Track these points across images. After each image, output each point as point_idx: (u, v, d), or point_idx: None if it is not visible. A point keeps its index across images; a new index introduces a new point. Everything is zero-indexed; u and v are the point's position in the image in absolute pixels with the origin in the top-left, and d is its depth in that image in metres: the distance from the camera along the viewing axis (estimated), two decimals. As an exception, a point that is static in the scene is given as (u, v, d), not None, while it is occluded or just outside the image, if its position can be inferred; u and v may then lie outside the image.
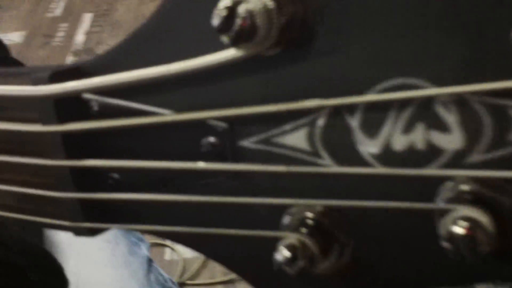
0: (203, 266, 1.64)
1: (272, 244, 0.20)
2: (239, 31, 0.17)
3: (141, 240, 0.80)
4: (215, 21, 0.17)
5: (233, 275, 1.61)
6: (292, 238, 0.19)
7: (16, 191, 0.24)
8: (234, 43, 0.17)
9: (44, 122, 0.21)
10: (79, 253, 0.68)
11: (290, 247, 0.19)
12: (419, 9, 0.17)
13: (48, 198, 0.23)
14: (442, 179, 0.18)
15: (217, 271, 1.65)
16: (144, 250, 0.78)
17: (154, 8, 0.21)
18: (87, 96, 0.21)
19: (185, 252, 1.68)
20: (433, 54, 0.17)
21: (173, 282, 0.78)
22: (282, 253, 0.19)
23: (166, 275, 0.79)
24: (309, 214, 0.20)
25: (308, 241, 0.19)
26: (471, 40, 0.16)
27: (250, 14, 0.17)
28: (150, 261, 0.78)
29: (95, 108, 0.21)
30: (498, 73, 0.16)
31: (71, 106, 0.21)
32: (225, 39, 0.18)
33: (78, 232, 0.22)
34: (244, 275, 0.22)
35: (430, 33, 0.17)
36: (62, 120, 0.21)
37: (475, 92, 0.16)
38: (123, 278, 0.69)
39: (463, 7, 0.16)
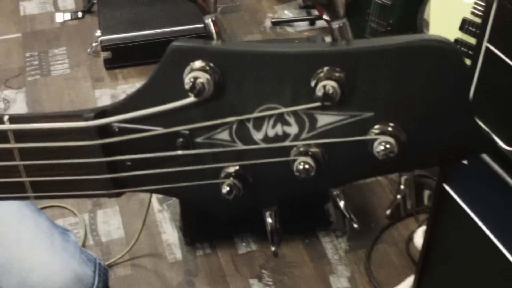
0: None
1: (216, 189, 0.42)
2: (198, 90, 0.39)
3: (67, 230, 0.99)
4: (187, 86, 0.39)
5: (110, 261, 1.80)
6: (228, 181, 0.41)
7: (67, 179, 0.43)
8: (196, 96, 0.39)
9: (92, 139, 0.41)
10: (28, 248, 0.85)
11: (229, 185, 0.41)
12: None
13: (91, 180, 0.43)
14: (291, 147, 0.41)
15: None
16: (72, 237, 0.97)
17: None
18: (112, 124, 0.42)
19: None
20: (279, 91, 0.39)
21: (99, 259, 0.97)
22: (226, 188, 0.41)
23: (94, 254, 0.98)
24: (231, 169, 0.42)
25: (236, 182, 0.41)
26: (294, 83, 0.39)
27: (201, 83, 0.39)
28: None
29: (116, 130, 0.42)
30: (308, 101, 0.39)
31: (105, 130, 0.41)
32: (190, 94, 0.39)
33: (110, 196, 0.42)
34: (199, 208, 0.44)
35: (276, 83, 0.39)
36: (101, 137, 0.41)
37: (301, 108, 0.39)
38: (65, 259, 0.87)
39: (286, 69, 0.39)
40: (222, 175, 0.42)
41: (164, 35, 2.58)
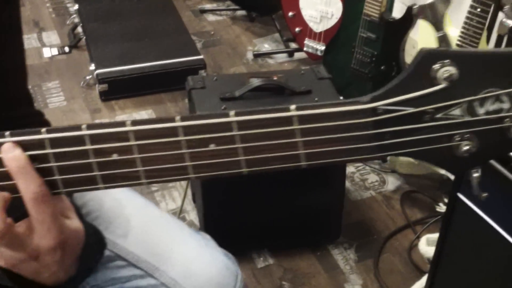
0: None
1: (448, 151, 0.59)
2: (451, 79, 0.56)
3: (199, 231, 1.13)
4: (444, 76, 0.56)
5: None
6: (465, 142, 0.59)
7: (340, 148, 0.60)
8: (449, 83, 0.57)
9: (367, 118, 0.58)
10: (182, 244, 1.00)
11: (466, 145, 0.58)
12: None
13: (362, 148, 0.59)
14: (505, 117, 0.59)
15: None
16: (207, 236, 1.12)
17: None
18: (378, 107, 0.59)
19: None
20: (498, 79, 0.58)
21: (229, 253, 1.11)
22: (465, 147, 0.58)
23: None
24: (464, 135, 0.60)
25: (470, 143, 0.59)
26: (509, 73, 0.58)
27: (452, 74, 0.57)
28: None
29: (381, 110, 0.59)
30: (522, 84, 0.58)
31: (374, 110, 0.58)
32: (444, 82, 0.57)
33: (376, 158, 0.59)
34: (435, 164, 0.61)
35: (496, 73, 0.58)
36: (374, 115, 0.58)
37: (517, 90, 0.58)
38: (213, 253, 1.05)
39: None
40: (456, 139, 0.60)
41: (157, 68, 2.74)
